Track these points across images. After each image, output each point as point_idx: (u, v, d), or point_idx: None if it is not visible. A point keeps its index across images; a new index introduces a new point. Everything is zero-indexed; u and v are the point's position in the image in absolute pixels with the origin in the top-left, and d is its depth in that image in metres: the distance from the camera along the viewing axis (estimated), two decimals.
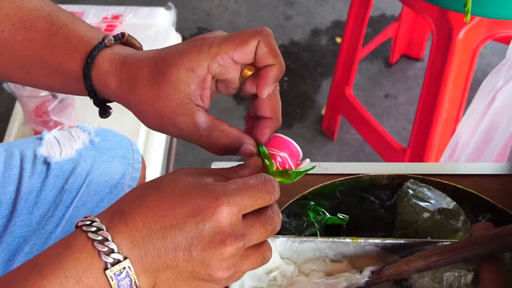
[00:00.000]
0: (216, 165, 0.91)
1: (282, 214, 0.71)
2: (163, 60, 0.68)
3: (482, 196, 0.82)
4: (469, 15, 1.38)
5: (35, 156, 1.07)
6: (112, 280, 0.56)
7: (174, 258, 0.58)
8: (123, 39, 0.72)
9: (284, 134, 0.70)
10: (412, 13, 2.20)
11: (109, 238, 0.57)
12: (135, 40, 0.74)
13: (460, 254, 0.71)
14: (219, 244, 0.58)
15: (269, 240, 0.63)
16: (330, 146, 2.20)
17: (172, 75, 0.66)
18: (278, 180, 0.64)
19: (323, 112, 2.27)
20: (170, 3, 1.91)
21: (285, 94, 2.33)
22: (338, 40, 2.52)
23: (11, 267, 0.99)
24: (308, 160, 0.70)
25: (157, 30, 1.83)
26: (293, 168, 0.69)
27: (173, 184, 0.60)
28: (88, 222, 0.58)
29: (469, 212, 0.81)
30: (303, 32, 2.56)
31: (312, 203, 0.82)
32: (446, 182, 0.84)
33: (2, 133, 1.71)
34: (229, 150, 0.69)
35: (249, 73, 0.70)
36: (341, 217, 0.80)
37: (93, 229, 0.57)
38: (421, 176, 0.85)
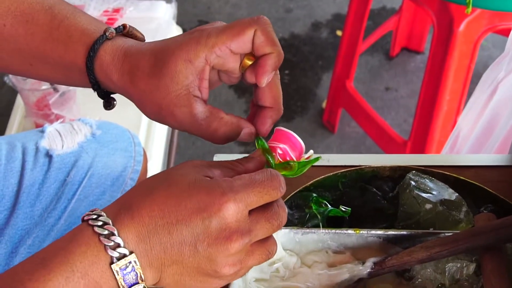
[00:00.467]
0: (218, 157, 0.91)
1: None
2: (162, 52, 0.68)
3: (484, 187, 0.82)
4: (470, 6, 1.38)
5: (37, 149, 1.06)
6: (118, 274, 0.56)
7: (180, 253, 0.58)
8: (125, 31, 0.73)
9: (284, 127, 0.70)
10: (413, 6, 2.20)
11: (115, 232, 0.57)
12: (137, 31, 0.74)
13: (462, 245, 0.71)
14: (225, 240, 0.58)
15: None
16: (331, 139, 2.20)
17: (170, 67, 0.67)
18: (282, 173, 0.64)
19: (323, 105, 2.26)
20: None
21: (286, 87, 2.33)
22: (339, 33, 2.51)
23: (13, 259, 0.99)
24: (312, 151, 0.70)
25: (157, 23, 1.83)
26: (295, 159, 0.69)
27: (180, 179, 0.60)
28: (95, 216, 0.58)
29: (471, 203, 0.81)
30: (303, 25, 2.56)
31: (314, 194, 0.82)
32: (448, 173, 0.84)
33: (4, 127, 1.71)
34: (230, 137, 0.70)
35: (249, 62, 0.69)
36: (343, 209, 0.80)
37: (99, 223, 0.57)
38: (423, 168, 0.85)
